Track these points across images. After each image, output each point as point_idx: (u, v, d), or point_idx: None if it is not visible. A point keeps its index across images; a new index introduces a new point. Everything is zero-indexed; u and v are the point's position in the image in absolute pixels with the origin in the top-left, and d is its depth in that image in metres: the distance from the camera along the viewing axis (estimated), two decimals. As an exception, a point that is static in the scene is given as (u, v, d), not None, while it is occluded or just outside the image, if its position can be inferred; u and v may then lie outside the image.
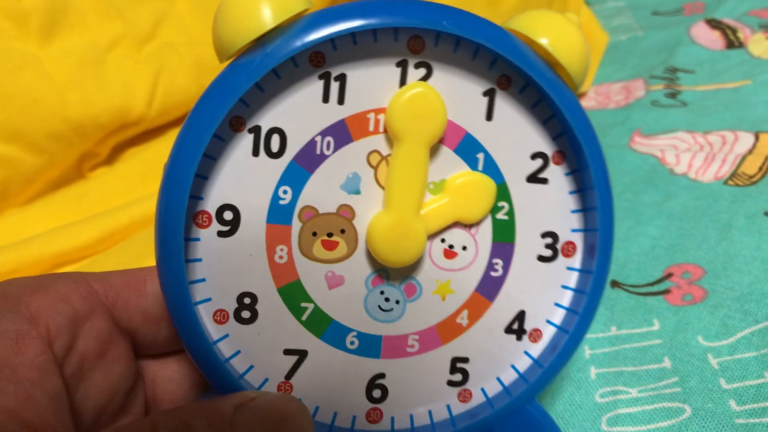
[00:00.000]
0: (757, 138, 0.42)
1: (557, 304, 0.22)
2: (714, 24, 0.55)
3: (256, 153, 0.20)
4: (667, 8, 0.61)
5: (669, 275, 0.34)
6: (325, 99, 0.20)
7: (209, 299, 0.20)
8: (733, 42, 0.53)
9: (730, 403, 0.26)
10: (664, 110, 0.47)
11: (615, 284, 0.33)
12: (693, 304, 0.31)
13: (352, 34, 0.19)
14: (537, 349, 0.22)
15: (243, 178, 0.20)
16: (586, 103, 0.51)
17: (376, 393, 0.21)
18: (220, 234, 0.20)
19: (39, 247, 0.34)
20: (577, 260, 0.22)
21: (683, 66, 0.52)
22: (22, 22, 0.36)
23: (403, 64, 0.20)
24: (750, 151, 0.41)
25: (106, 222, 0.35)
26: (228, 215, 0.20)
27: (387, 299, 0.21)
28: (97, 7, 0.37)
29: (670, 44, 0.55)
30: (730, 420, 0.25)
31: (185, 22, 0.41)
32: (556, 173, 0.21)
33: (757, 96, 0.46)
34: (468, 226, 0.21)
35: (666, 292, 0.33)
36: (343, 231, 0.20)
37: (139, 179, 0.39)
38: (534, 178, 0.21)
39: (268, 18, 0.18)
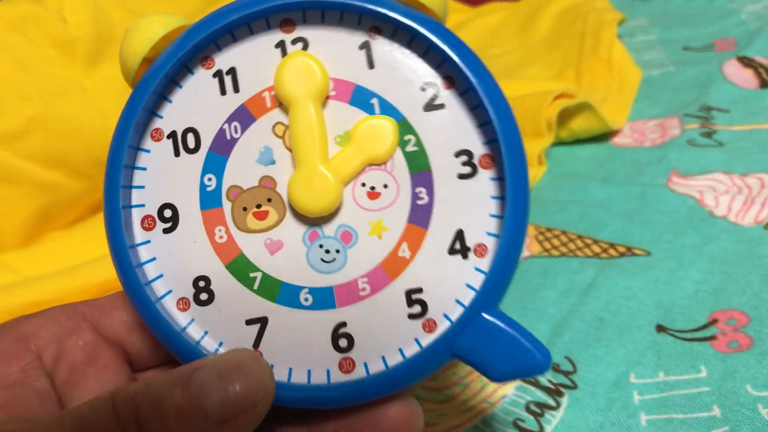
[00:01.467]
0: None
1: (493, 215, 0.23)
2: (746, 62, 0.57)
3: (177, 153, 0.23)
4: (697, 44, 0.62)
5: (714, 321, 0.34)
6: (223, 92, 0.23)
7: (170, 291, 0.23)
8: (766, 81, 0.54)
9: None
10: (700, 150, 0.49)
11: (661, 328, 0.35)
12: (739, 352, 0.32)
13: (231, 33, 0.23)
14: (486, 262, 0.23)
15: (172, 178, 0.23)
16: (621, 140, 0.53)
17: (342, 342, 0.22)
18: (165, 231, 0.23)
19: (87, 275, 0.37)
20: (497, 170, 0.23)
21: (717, 105, 0.53)
22: (68, 50, 0.39)
23: (281, 44, 0.23)
24: None
25: None
26: (167, 213, 0.23)
27: (327, 251, 0.23)
28: None
29: (703, 81, 0.56)
30: None
31: None
32: (450, 97, 0.23)
33: None
34: (382, 165, 0.23)
35: (712, 338, 0.33)
36: (269, 200, 0.23)
37: None
38: (430, 106, 0.23)
39: (152, 34, 0.22)
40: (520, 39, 0.64)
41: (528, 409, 0.32)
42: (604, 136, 0.53)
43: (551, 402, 0.32)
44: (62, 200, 0.40)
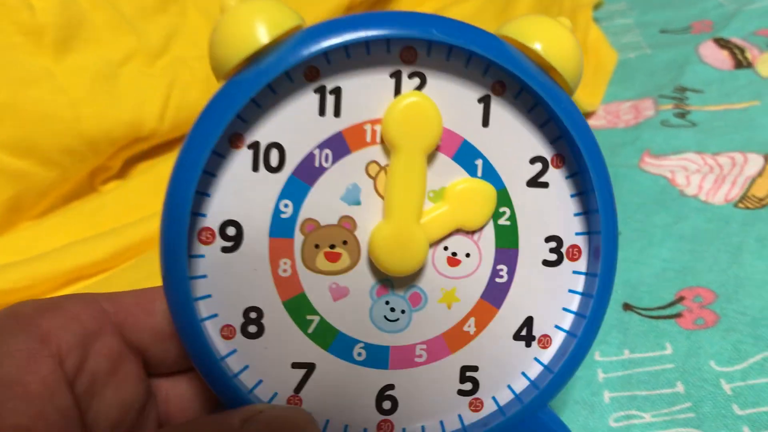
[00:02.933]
0: (766, 160, 0.44)
1: (566, 309, 0.22)
2: (722, 43, 0.58)
3: (255, 168, 0.20)
4: (675, 26, 0.63)
5: (681, 299, 0.35)
6: (322, 112, 0.20)
7: (216, 315, 0.21)
8: (741, 62, 0.55)
9: (744, 430, 0.27)
10: (673, 130, 0.49)
11: (627, 307, 0.35)
12: (705, 329, 0.33)
13: (345, 47, 0.20)
14: (547, 355, 0.22)
15: (244, 194, 0.20)
16: (595, 122, 0.54)
17: (386, 405, 0.22)
18: (224, 250, 0.21)
19: (53, 262, 0.36)
20: (582, 263, 0.22)
21: (692, 86, 0.54)
22: (37, 37, 0.38)
23: (397, 75, 0.21)
24: (759, 174, 0.43)
25: (120, 237, 0.37)
26: (231, 231, 0.20)
27: (392, 309, 0.21)
28: (110, 22, 0.39)
29: (679, 63, 0.57)
30: None
31: (197, 36, 0.43)
32: (557, 177, 0.22)
33: (765, 117, 0.49)
34: (470, 232, 0.22)
35: (678, 315, 0.34)
36: (345, 242, 0.21)
37: (151, 193, 0.41)
38: (534, 182, 0.22)
39: (261, 34, 0.19)
40: (498, 24, 0.63)
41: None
42: None
43: None
44: (33, 189, 0.39)
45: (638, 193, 0.43)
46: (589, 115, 0.53)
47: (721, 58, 0.55)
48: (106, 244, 0.37)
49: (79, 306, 0.21)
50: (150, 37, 0.41)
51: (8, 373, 0.18)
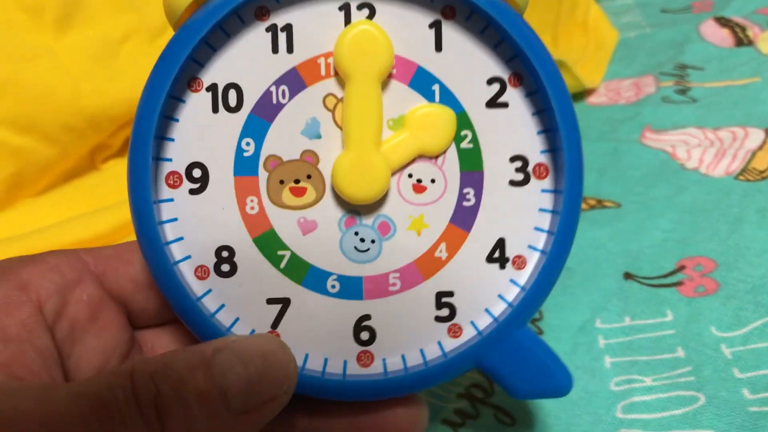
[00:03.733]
0: (766, 134, 0.44)
1: (538, 229, 0.22)
2: (723, 22, 0.58)
3: (215, 110, 0.21)
4: (675, 6, 0.63)
5: (681, 267, 0.36)
6: (275, 50, 0.21)
7: (189, 257, 0.21)
8: (742, 40, 0.55)
9: (744, 392, 0.28)
10: (674, 106, 0.50)
11: (628, 276, 0.36)
12: (706, 296, 0.33)
13: None
14: (523, 276, 0.23)
15: (206, 136, 0.21)
16: (596, 98, 0.55)
17: (364, 335, 0.22)
18: (192, 192, 0.21)
19: (53, 236, 0.37)
20: (550, 182, 0.23)
21: (693, 63, 0.54)
22: (36, 13, 0.38)
23: (346, 7, 0.21)
24: (760, 147, 0.43)
25: (120, 212, 0.38)
26: (197, 173, 0.21)
27: (362, 239, 0.21)
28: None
29: (679, 41, 0.57)
30: (743, 408, 0.27)
31: None
32: (515, 96, 0.22)
33: (766, 92, 0.49)
34: (433, 158, 0.21)
35: (679, 284, 0.35)
36: (309, 176, 0.21)
37: None
38: (493, 103, 0.22)
39: None
40: None
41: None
42: (578, 96, 0.55)
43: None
44: (33, 166, 0.39)
45: (638, 167, 0.44)
46: (590, 92, 0.54)
47: (721, 36, 0.56)
48: (106, 218, 0.38)
49: (59, 257, 0.22)
50: (151, 15, 0.42)
51: None
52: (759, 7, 0.58)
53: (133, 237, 0.38)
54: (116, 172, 0.42)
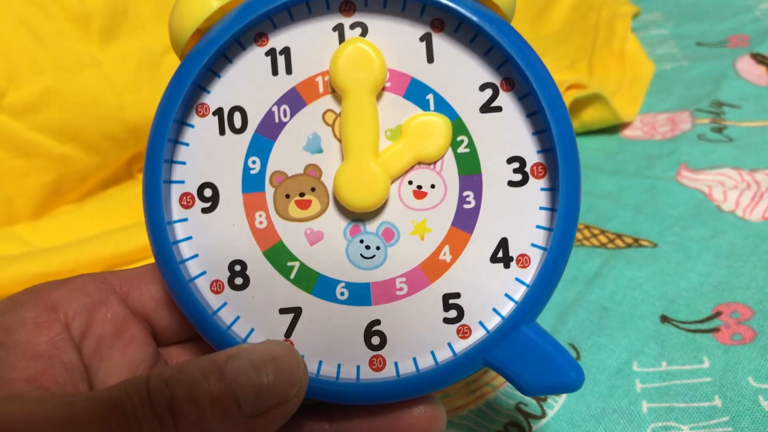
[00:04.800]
0: None
1: (539, 227, 0.23)
2: (759, 59, 0.58)
3: (222, 132, 0.22)
4: (711, 39, 0.63)
5: (718, 313, 0.35)
6: (275, 72, 0.22)
7: (204, 272, 0.22)
8: None
9: None
10: (710, 145, 0.50)
11: (665, 319, 0.36)
12: (742, 344, 0.33)
13: (288, 10, 0.22)
14: (529, 274, 0.23)
15: (215, 157, 0.22)
16: (632, 132, 0.54)
17: (375, 340, 0.22)
18: (204, 210, 0.22)
19: (96, 247, 0.38)
20: (548, 180, 0.23)
21: (729, 100, 0.54)
22: (84, 24, 0.40)
23: (339, 28, 0.22)
24: None
25: None
26: (208, 192, 0.22)
27: (367, 247, 0.22)
28: (154, 11, 0.42)
29: (716, 77, 0.57)
30: None
31: None
32: (508, 99, 0.23)
33: None
34: (431, 164, 0.22)
35: (715, 330, 0.34)
36: (313, 189, 0.22)
37: None
38: (487, 107, 0.22)
39: (206, 5, 0.21)
40: (533, 30, 0.64)
41: (531, 394, 0.33)
42: (614, 129, 0.54)
43: (559, 393, 0.33)
44: (74, 174, 0.41)
45: (675, 206, 0.44)
46: (626, 125, 0.54)
47: (758, 74, 0.56)
48: (144, 233, 0.39)
49: (85, 280, 0.23)
50: None
51: (19, 337, 0.21)
52: (795, 44, 0.59)
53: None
54: None
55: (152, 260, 0.40)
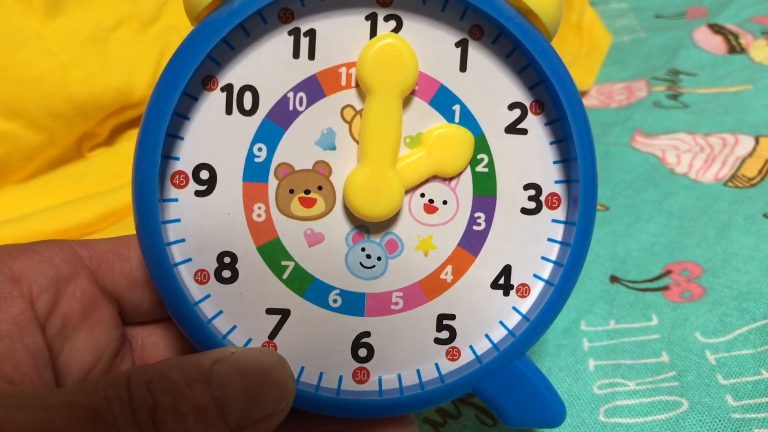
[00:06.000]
0: (757, 141, 0.45)
1: (544, 258, 0.22)
2: (716, 29, 0.59)
3: (229, 111, 0.20)
4: (670, 12, 0.64)
5: (668, 272, 0.36)
6: (296, 55, 0.20)
7: (189, 259, 0.21)
8: (735, 47, 0.56)
9: (727, 398, 0.28)
10: (665, 111, 0.51)
11: (614, 279, 0.36)
12: (691, 301, 0.34)
13: None
14: (526, 304, 0.23)
15: (217, 137, 0.20)
16: (588, 101, 0.55)
17: (362, 352, 0.22)
18: (198, 194, 0.20)
19: (37, 223, 0.37)
20: (562, 212, 0.22)
21: (685, 69, 0.55)
22: None
23: (372, 17, 0.21)
24: (750, 154, 0.44)
25: (105, 201, 0.37)
26: (204, 174, 0.20)
27: (368, 256, 0.21)
28: None
29: (673, 47, 0.58)
30: (726, 414, 0.27)
31: None
32: (535, 123, 0.22)
33: (757, 100, 0.50)
34: (447, 179, 0.21)
35: (665, 288, 0.35)
36: (320, 187, 0.21)
37: None
38: (513, 128, 0.21)
39: None
40: None
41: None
42: None
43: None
44: (20, 152, 0.38)
45: (628, 170, 0.45)
46: (581, 94, 0.53)
47: (714, 43, 0.57)
48: (92, 206, 0.37)
49: (52, 250, 0.21)
50: (143, 3, 0.42)
51: None
52: (752, 16, 0.59)
53: (118, 227, 0.38)
54: (103, 161, 0.42)
55: (97, 235, 0.38)
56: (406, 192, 0.22)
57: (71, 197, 0.39)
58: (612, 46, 0.61)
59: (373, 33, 0.21)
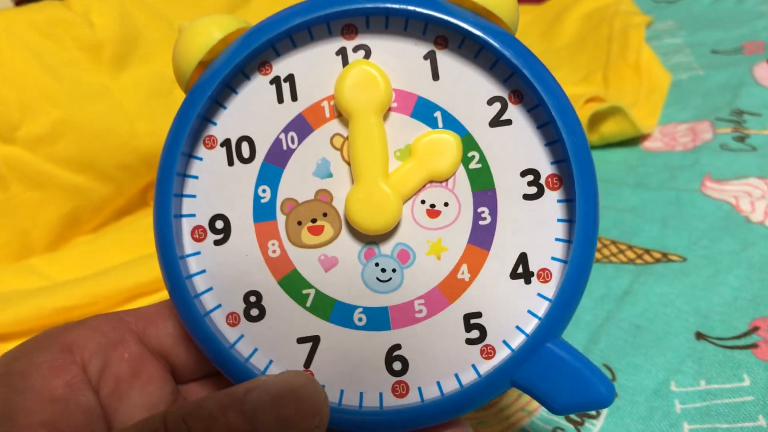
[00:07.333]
0: None
1: (559, 239, 0.22)
2: None
3: (231, 163, 0.22)
4: (726, 47, 0.63)
5: (755, 329, 0.35)
6: (280, 100, 0.22)
7: (219, 305, 0.22)
8: None
9: None
10: (734, 154, 0.49)
11: (700, 336, 0.35)
12: None
13: (290, 37, 0.22)
14: (550, 288, 0.23)
15: (225, 187, 0.22)
16: (652, 143, 0.54)
17: (397, 365, 0.22)
18: (216, 243, 0.22)
19: (114, 279, 0.38)
20: (564, 191, 0.22)
21: (749, 109, 0.54)
22: (95, 53, 0.41)
23: (342, 51, 0.22)
24: None
25: None
26: (219, 224, 0.22)
27: (383, 270, 0.22)
28: (166, 37, 0.42)
29: (734, 85, 0.57)
30: None
31: None
32: (518, 112, 0.22)
33: None
34: (443, 182, 0.22)
35: (754, 346, 0.34)
36: (325, 214, 0.22)
37: None
38: (497, 121, 0.22)
39: (213, 34, 0.21)
40: (545, 43, 0.64)
41: (568, 418, 0.33)
42: (634, 141, 0.54)
43: (591, 411, 0.31)
44: (89, 204, 0.42)
45: (702, 218, 0.43)
46: (646, 137, 0.54)
47: None
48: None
49: (100, 320, 0.23)
50: None
51: (35, 381, 0.20)
52: (813, 50, 0.58)
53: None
54: None
55: None
56: (406, 201, 0.23)
57: (139, 246, 0.41)
58: (671, 84, 0.60)
59: (345, 65, 0.23)
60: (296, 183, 0.23)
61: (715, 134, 0.51)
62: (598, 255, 0.42)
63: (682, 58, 0.63)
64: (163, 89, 0.42)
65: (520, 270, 0.23)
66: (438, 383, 0.23)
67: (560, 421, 0.32)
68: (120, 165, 0.41)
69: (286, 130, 0.23)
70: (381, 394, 0.23)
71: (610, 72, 0.57)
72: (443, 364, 0.23)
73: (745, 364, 0.33)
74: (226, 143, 0.23)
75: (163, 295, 0.40)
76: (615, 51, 0.59)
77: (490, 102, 0.23)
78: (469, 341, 0.23)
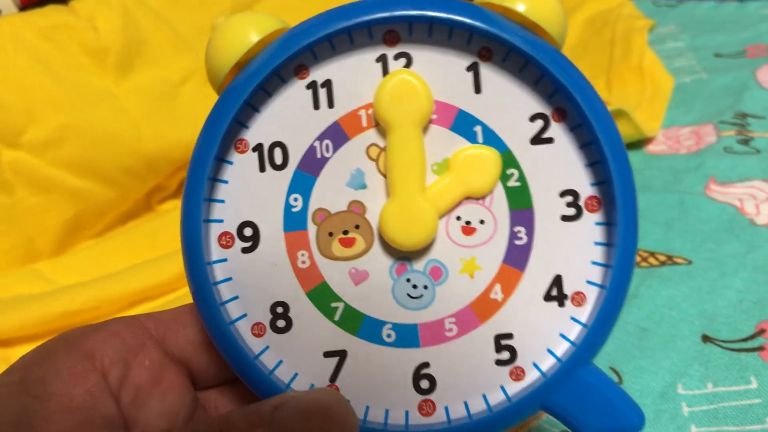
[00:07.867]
0: None
1: (595, 263, 0.22)
2: None
3: (262, 169, 0.21)
4: (729, 50, 0.63)
5: (761, 331, 0.35)
6: (316, 106, 0.22)
7: (245, 315, 0.22)
8: None
9: None
10: (738, 157, 0.49)
11: (706, 339, 0.35)
12: None
13: (329, 41, 0.21)
14: (584, 313, 0.22)
15: (255, 194, 0.22)
16: (656, 147, 0.54)
17: (424, 384, 0.22)
18: (244, 250, 0.22)
19: (119, 283, 0.38)
20: (603, 214, 0.22)
21: (752, 111, 0.54)
22: (100, 58, 0.40)
23: (382, 58, 0.22)
24: None
25: (181, 259, 0.38)
26: (248, 231, 0.22)
27: (414, 286, 0.21)
28: (169, 43, 0.41)
29: (737, 88, 0.57)
30: None
31: None
32: (560, 130, 0.22)
33: None
34: (480, 199, 0.21)
35: (760, 349, 0.34)
36: (357, 226, 0.21)
37: None
38: (538, 139, 0.22)
39: (249, 36, 0.20)
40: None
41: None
42: (637, 144, 0.54)
43: None
44: (93, 208, 0.42)
45: (707, 221, 0.44)
46: (649, 140, 0.54)
47: None
48: (170, 266, 0.39)
49: (120, 325, 0.22)
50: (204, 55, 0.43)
51: (55, 388, 0.20)
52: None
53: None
54: (175, 215, 0.43)
55: (176, 295, 0.40)
56: (441, 217, 0.22)
57: (146, 252, 0.41)
58: (674, 87, 0.60)
59: (385, 73, 0.22)
60: (329, 193, 0.22)
61: (719, 137, 0.52)
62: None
63: (685, 61, 0.64)
64: (168, 94, 0.42)
65: (554, 292, 0.22)
66: (465, 403, 0.22)
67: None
68: (124, 169, 0.40)
69: (321, 138, 0.22)
70: (407, 413, 0.22)
71: (613, 75, 0.57)
72: (471, 384, 0.22)
73: (752, 367, 0.33)
74: (258, 148, 0.22)
75: (168, 299, 0.40)
76: (618, 54, 0.59)
77: (533, 119, 0.22)
78: (499, 362, 0.22)
